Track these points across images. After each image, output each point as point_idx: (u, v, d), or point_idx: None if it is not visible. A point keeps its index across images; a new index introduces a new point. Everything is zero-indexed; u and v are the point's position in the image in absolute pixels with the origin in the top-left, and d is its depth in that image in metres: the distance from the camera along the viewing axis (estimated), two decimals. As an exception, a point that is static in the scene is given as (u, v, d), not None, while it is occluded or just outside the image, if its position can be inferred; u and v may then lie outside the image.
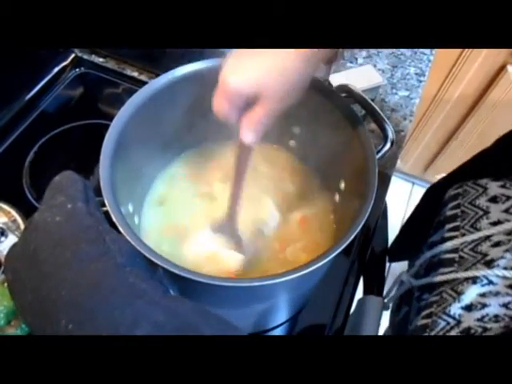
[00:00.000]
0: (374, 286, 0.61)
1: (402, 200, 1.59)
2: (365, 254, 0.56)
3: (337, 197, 0.48)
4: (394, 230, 0.69)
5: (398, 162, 1.55)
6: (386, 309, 0.59)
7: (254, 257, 0.46)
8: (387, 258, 0.66)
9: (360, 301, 0.60)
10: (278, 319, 0.50)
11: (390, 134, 0.42)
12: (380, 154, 0.42)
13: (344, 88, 0.45)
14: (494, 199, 0.46)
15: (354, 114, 0.41)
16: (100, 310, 0.24)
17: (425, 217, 0.56)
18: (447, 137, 1.37)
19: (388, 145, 0.42)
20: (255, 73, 0.33)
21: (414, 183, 1.65)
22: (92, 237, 0.27)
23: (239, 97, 0.34)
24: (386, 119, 0.42)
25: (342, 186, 0.46)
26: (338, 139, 0.44)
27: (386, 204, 0.62)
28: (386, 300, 0.59)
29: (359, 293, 0.59)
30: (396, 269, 1.24)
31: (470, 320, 0.39)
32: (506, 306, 0.38)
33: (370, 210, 0.35)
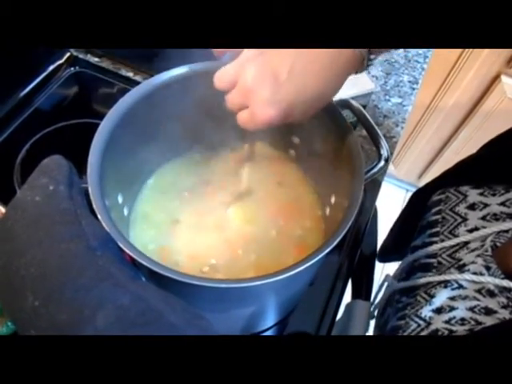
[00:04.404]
0: (363, 291, 0.61)
1: (395, 206, 1.60)
2: (353, 259, 0.56)
3: (327, 209, 0.49)
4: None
5: (392, 168, 1.57)
6: (371, 317, 0.60)
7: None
8: (377, 258, 0.66)
9: (348, 305, 0.60)
10: (265, 323, 0.50)
11: (385, 153, 0.44)
12: (374, 171, 0.43)
13: (345, 103, 0.47)
14: (472, 206, 0.46)
15: (351, 132, 0.42)
16: (66, 290, 0.25)
17: (410, 220, 0.56)
18: (441, 145, 1.38)
19: (382, 162, 0.44)
20: (289, 109, 0.34)
21: (407, 190, 1.66)
22: (68, 219, 0.28)
23: (269, 125, 0.35)
24: (382, 138, 0.44)
25: (333, 200, 0.47)
26: (333, 153, 0.45)
27: (376, 209, 0.63)
28: (372, 308, 0.59)
29: (347, 297, 0.59)
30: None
31: (438, 322, 0.40)
32: (472, 309, 0.39)
33: (352, 220, 0.36)
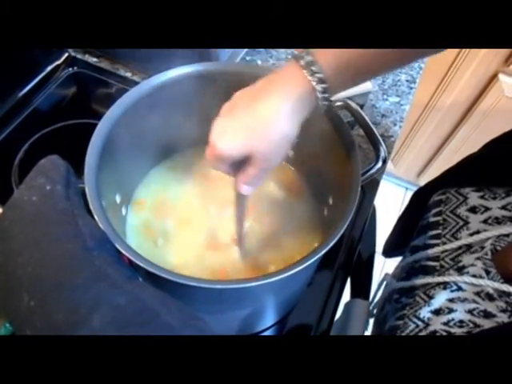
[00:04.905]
0: (361, 290, 0.61)
1: (395, 205, 1.60)
2: (352, 258, 0.56)
3: (325, 210, 0.49)
4: (386, 234, 0.69)
5: (392, 167, 1.57)
6: (371, 316, 0.60)
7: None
8: (382, 254, 0.67)
9: (347, 304, 0.60)
10: (263, 324, 0.50)
11: (383, 154, 0.44)
12: (372, 172, 0.44)
13: (343, 103, 0.47)
14: (473, 209, 0.47)
15: (348, 133, 0.43)
16: (62, 290, 0.25)
17: (412, 219, 0.56)
18: (440, 143, 1.38)
19: (380, 164, 0.44)
20: (241, 138, 0.34)
21: (407, 188, 1.66)
22: (64, 219, 0.28)
23: (229, 159, 0.36)
24: (380, 139, 0.44)
25: (331, 200, 0.47)
26: (330, 154, 0.45)
27: (374, 208, 0.63)
28: (371, 307, 0.59)
29: (346, 296, 0.59)
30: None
31: (436, 323, 0.40)
32: (471, 312, 0.39)
33: (348, 222, 0.36)
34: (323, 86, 0.34)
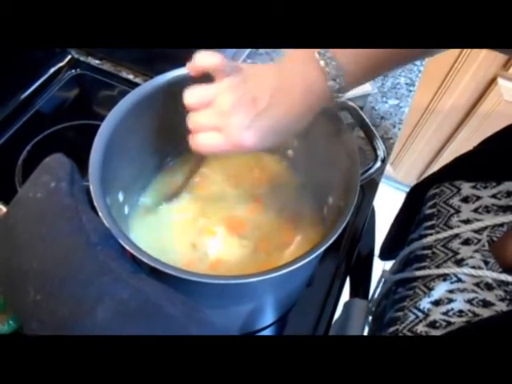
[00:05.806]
0: (360, 290, 0.61)
1: (395, 209, 1.60)
2: (351, 257, 0.56)
3: (325, 210, 0.49)
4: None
5: (391, 171, 1.57)
6: (370, 313, 0.60)
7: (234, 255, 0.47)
8: (378, 256, 0.67)
9: (346, 304, 0.60)
10: (264, 321, 0.50)
11: (382, 154, 0.44)
12: (371, 171, 0.44)
13: (343, 105, 0.47)
14: (465, 199, 0.48)
15: (348, 133, 0.43)
16: (67, 284, 0.25)
17: (409, 215, 0.57)
18: (439, 146, 1.39)
19: (378, 163, 0.44)
20: (262, 132, 0.35)
21: (406, 192, 1.66)
22: (69, 215, 0.28)
23: (239, 151, 0.36)
24: (379, 139, 0.44)
25: (330, 200, 0.48)
26: (330, 154, 0.46)
27: (373, 208, 0.63)
28: (370, 304, 0.60)
29: (346, 296, 0.59)
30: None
31: (436, 314, 0.41)
32: (470, 301, 0.40)
33: (347, 220, 0.36)
34: (338, 75, 0.34)
